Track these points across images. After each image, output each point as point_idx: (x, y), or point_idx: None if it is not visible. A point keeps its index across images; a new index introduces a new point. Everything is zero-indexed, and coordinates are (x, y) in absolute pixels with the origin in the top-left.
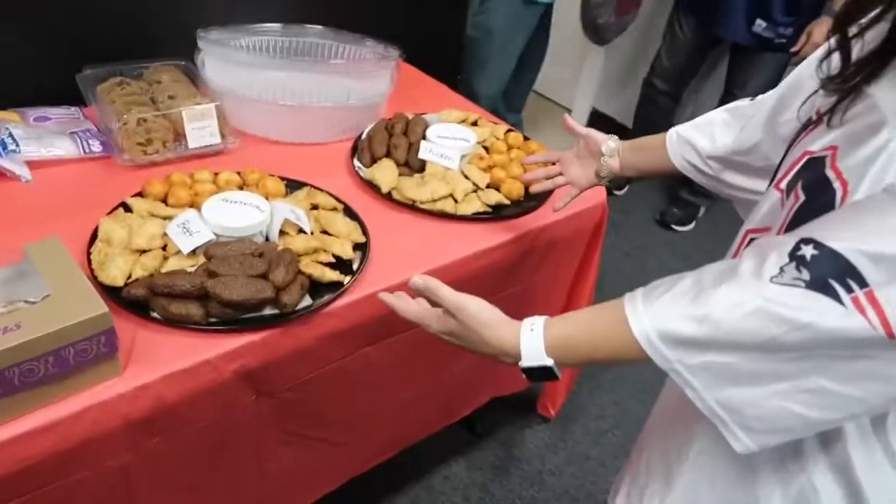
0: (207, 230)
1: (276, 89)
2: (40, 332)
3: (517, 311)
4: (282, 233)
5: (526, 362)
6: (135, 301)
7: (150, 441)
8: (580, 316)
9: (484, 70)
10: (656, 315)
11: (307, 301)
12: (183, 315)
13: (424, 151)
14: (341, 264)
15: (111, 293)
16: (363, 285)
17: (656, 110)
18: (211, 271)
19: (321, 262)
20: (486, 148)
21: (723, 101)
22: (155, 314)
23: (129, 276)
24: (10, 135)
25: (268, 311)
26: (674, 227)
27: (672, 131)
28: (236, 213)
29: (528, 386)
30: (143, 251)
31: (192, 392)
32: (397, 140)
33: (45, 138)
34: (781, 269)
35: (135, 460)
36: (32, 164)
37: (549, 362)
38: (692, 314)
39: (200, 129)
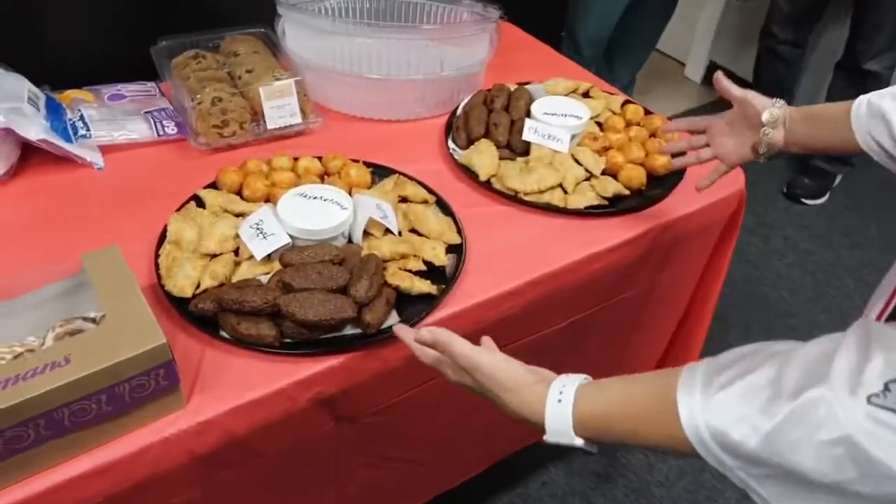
0: (282, 233)
1: (362, 59)
2: (92, 368)
3: (632, 317)
4: (366, 233)
5: (551, 438)
6: (203, 316)
7: (220, 474)
8: (621, 387)
9: (590, 13)
10: (714, 411)
11: (393, 318)
12: (254, 336)
13: (529, 132)
14: (432, 270)
15: (179, 305)
16: (457, 297)
17: (779, 63)
18: (285, 283)
19: (410, 271)
20: (599, 124)
21: (850, 48)
22: (223, 334)
23: (198, 286)
24: (82, 117)
25: (349, 330)
26: (804, 200)
27: (861, 100)
28: (315, 212)
29: None
30: (214, 255)
31: (264, 423)
32: (498, 117)
33: (118, 120)
34: (886, 387)
35: (203, 495)
36: (105, 149)
37: (579, 442)
38: (759, 426)
39: (279, 107)
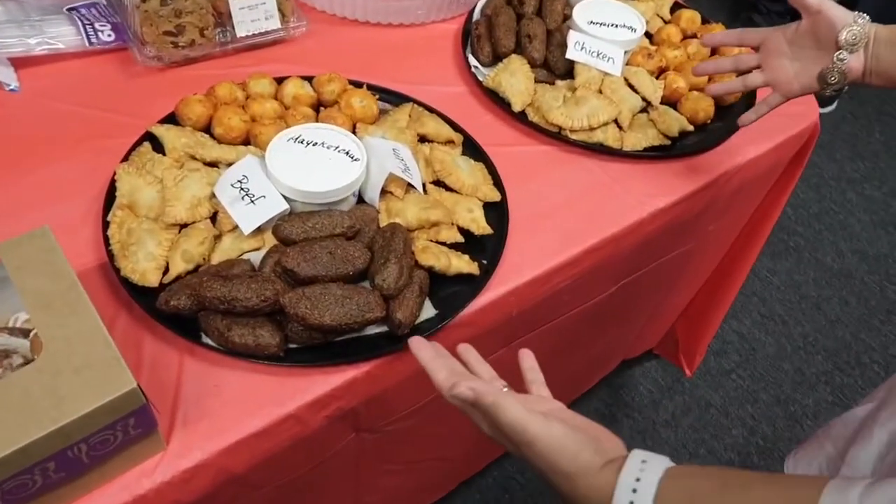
0: (276, 195)
1: None
2: (30, 436)
3: (677, 275)
4: (383, 191)
5: None
6: (177, 315)
7: None
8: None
9: None
10: None
11: (428, 311)
12: (250, 346)
13: (575, 49)
14: (467, 239)
15: (141, 298)
16: (500, 274)
17: None
18: (288, 271)
19: (442, 243)
20: (649, 36)
21: None
22: (208, 341)
23: (166, 269)
24: None
25: (372, 328)
26: None
27: None
28: (317, 165)
29: (655, 344)
30: (184, 225)
31: (268, 456)
32: (531, 27)
33: (32, 21)
34: None
35: None
36: (17, 63)
37: None
38: None
39: (251, 7)
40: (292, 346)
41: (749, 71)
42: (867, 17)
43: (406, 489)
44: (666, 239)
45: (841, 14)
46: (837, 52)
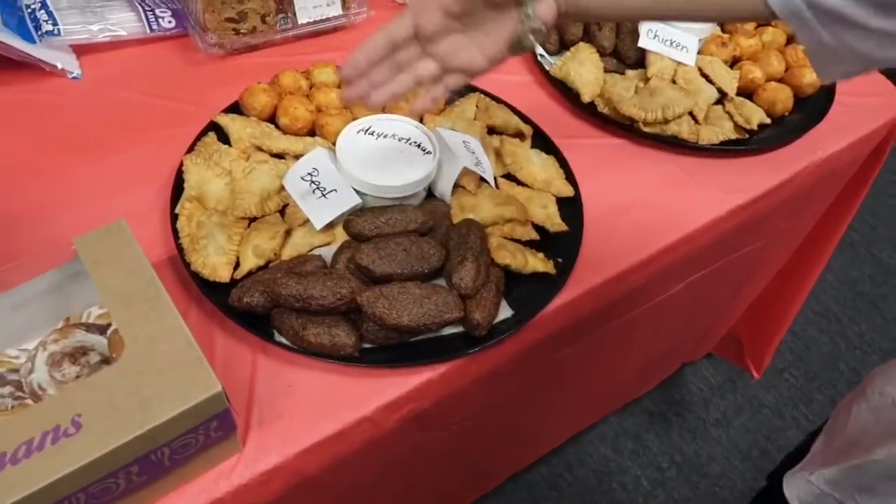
0: (348, 189)
1: None
2: (116, 441)
3: (745, 273)
4: (455, 185)
5: None
6: (250, 312)
7: None
8: None
9: None
10: None
11: (504, 311)
12: (326, 346)
13: (647, 37)
14: (542, 238)
15: (213, 293)
16: (576, 274)
17: None
18: (362, 268)
19: (517, 240)
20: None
21: None
22: (282, 339)
23: (237, 264)
24: (44, 4)
25: (449, 329)
26: None
27: None
28: (389, 158)
29: (715, 346)
30: (253, 218)
31: (341, 458)
32: None
33: (94, 7)
34: None
35: None
36: (80, 50)
37: None
38: None
39: None
40: (367, 345)
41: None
42: None
43: (455, 484)
44: (738, 236)
45: None
46: (525, 10)
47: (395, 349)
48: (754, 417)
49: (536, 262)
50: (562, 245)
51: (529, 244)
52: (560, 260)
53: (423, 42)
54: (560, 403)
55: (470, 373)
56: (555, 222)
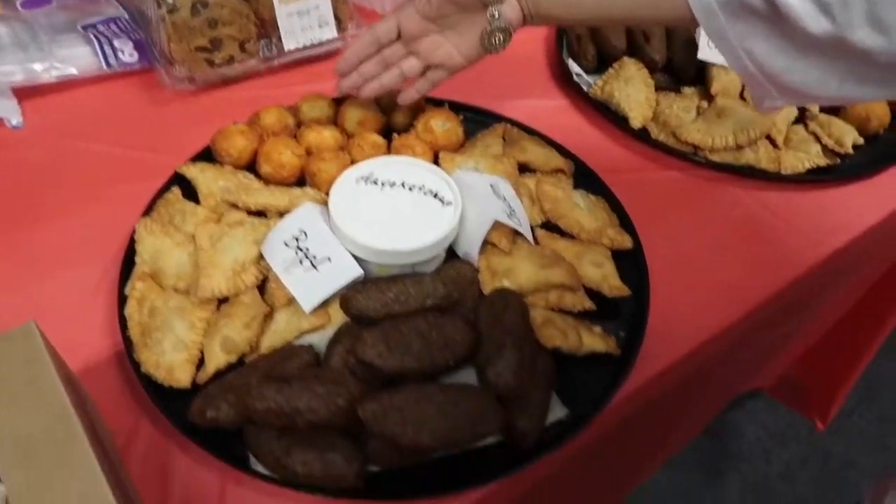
0: (345, 255)
1: None
2: None
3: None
4: (483, 243)
5: None
6: (217, 428)
7: None
8: None
9: None
10: None
11: (556, 411)
12: (317, 477)
13: (707, 46)
14: (598, 306)
15: (167, 404)
16: (642, 353)
17: None
18: (366, 365)
19: (568, 311)
20: None
21: None
22: (259, 467)
23: (200, 362)
24: None
25: (489, 439)
26: None
27: None
28: (398, 213)
29: (771, 385)
30: (224, 300)
31: None
32: None
33: (41, 41)
34: None
35: None
36: (21, 94)
37: None
38: None
39: (301, 13)
40: (373, 468)
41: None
42: None
43: None
44: (831, 279)
45: None
46: (490, 11)
47: (411, 473)
48: (823, 469)
49: (594, 341)
50: (624, 314)
51: (582, 316)
52: (623, 334)
53: (405, 42)
54: (609, 481)
55: (512, 494)
56: (613, 285)
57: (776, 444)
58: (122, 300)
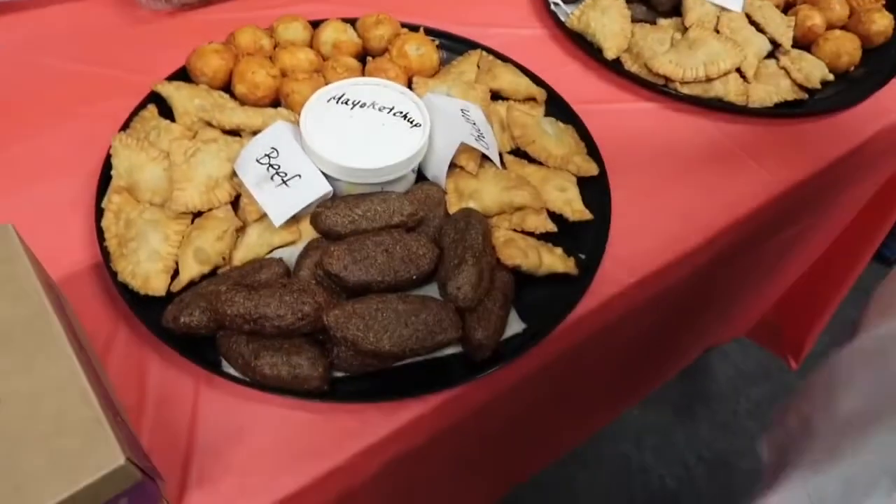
0: (315, 173)
1: None
2: None
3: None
4: (451, 165)
5: None
6: (191, 334)
7: None
8: None
9: None
10: None
11: (514, 326)
12: (286, 379)
13: None
14: (560, 229)
15: (144, 310)
16: (600, 275)
17: None
18: (333, 276)
19: (530, 233)
20: None
21: None
22: (230, 370)
23: (175, 272)
24: None
25: (448, 350)
26: None
27: None
28: (368, 133)
29: (748, 331)
30: (197, 213)
31: None
32: None
33: None
34: None
35: None
36: None
37: None
38: None
39: None
40: (338, 374)
41: None
42: None
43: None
44: (790, 215)
45: None
46: None
47: (374, 378)
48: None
49: (554, 261)
50: (585, 237)
51: (545, 237)
52: (583, 256)
53: None
54: (576, 409)
55: (471, 403)
56: (576, 209)
57: (747, 383)
58: (100, 213)
